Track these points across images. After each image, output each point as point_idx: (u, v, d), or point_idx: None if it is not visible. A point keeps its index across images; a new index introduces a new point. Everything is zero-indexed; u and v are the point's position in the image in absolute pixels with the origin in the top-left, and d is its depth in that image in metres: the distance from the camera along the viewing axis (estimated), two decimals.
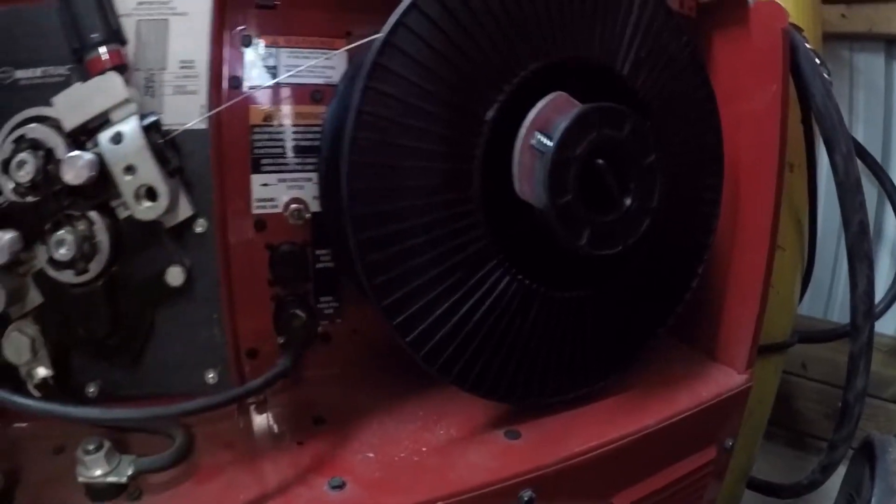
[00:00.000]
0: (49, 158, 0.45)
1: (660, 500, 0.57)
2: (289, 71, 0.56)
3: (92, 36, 0.45)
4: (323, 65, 0.57)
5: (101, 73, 0.46)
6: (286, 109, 0.57)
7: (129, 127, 0.45)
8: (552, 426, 0.54)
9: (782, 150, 0.60)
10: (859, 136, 1.22)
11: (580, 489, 0.52)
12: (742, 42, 0.63)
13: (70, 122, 0.46)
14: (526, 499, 0.48)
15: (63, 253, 0.46)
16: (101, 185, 0.46)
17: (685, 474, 0.59)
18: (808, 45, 0.65)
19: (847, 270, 0.68)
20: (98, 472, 0.44)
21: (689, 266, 0.59)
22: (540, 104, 0.46)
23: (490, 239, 0.48)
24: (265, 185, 0.57)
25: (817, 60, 0.66)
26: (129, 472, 0.44)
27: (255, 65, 0.56)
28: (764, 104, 0.61)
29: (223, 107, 0.51)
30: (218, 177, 0.52)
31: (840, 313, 1.35)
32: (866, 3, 1.16)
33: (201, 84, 0.50)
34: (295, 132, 0.58)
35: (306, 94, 0.58)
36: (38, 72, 0.48)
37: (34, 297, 0.49)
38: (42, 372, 0.48)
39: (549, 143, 0.45)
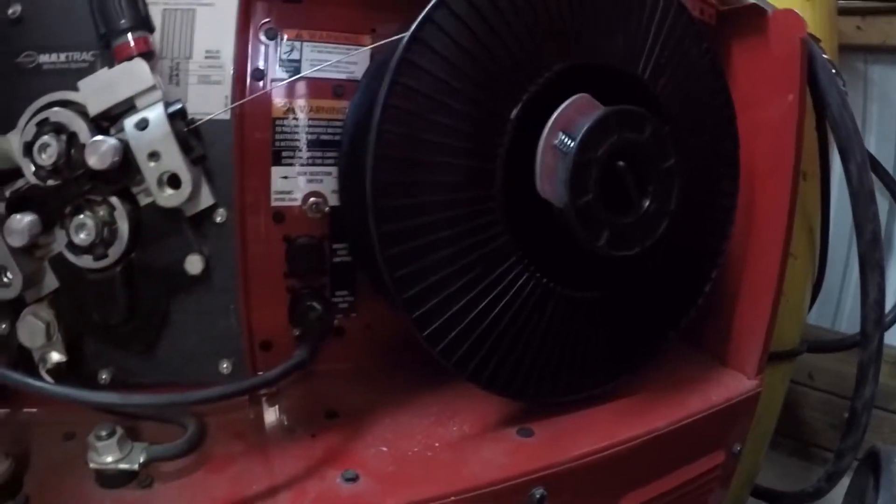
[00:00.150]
0: (72, 142, 0.45)
1: (668, 502, 0.57)
2: (312, 65, 0.56)
3: (120, 22, 0.46)
4: (346, 60, 0.58)
5: (128, 59, 0.46)
6: (308, 103, 0.58)
7: (155, 114, 0.45)
8: (564, 425, 0.54)
9: (797, 158, 0.61)
10: (872, 148, 1.22)
11: (591, 489, 0.53)
12: (760, 51, 0.63)
13: (95, 106, 0.46)
14: (537, 496, 0.48)
15: (83, 238, 0.47)
16: (124, 170, 0.46)
17: (693, 477, 0.59)
18: (825, 56, 0.66)
19: (856, 281, 0.68)
20: (110, 459, 0.44)
21: (704, 270, 0.59)
22: (563, 105, 0.47)
23: (510, 236, 0.48)
24: (285, 177, 0.57)
25: (833, 70, 0.66)
26: (141, 460, 0.44)
27: (279, 58, 0.56)
28: (780, 113, 0.62)
29: (247, 99, 0.51)
30: (239, 168, 0.52)
31: (848, 324, 1.35)
32: (881, 15, 1.16)
33: (226, 75, 0.51)
34: (316, 126, 0.58)
35: (328, 89, 0.58)
36: (62, 57, 0.48)
37: (50, 282, 0.49)
38: (55, 357, 0.48)
39: (572, 144, 0.46)
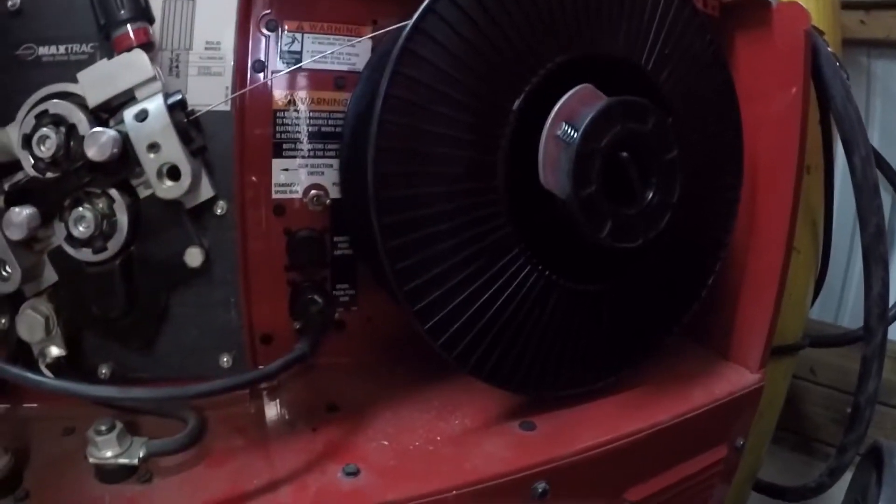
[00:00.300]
0: (71, 134, 0.45)
1: (671, 496, 0.57)
2: (313, 57, 0.56)
3: (120, 13, 0.45)
4: (347, 51, 0.57)
5: (128, 50, 0.45)
6: (309, 95, 0.57)
7: (154, 105, 0.45)
8: (567, 419, 0.54)
9: (801, 151, 0.60)
10: (875, 143, 1.21)
11: (593, 483, 0.52)
12: (764, 43, 0.63)
13: (94, 98, 0.46)
14: (540, 490, 0.48)
15: (82, 230, 0.46)
16: (123, 162, 0.46)
17: (696, 472, 0.58)
18: (829, 49, 0.65)
19: (859, 275, 0.68)
20: (109, 454, 0.44)
21: (707, 264, 0.59)
22: (566, 95, 0.46)
23: (512, 228, 0.48)
24: (286, 169, 0.57)
25: (837, 63, 0.66)
26: (141, 454, 0.44)
27: (280, 50, 0.56)
28: (784, 105, 0.61)
29: (247, 89, 0.51)
30: (239, 160, 0.52)
31: (851, 318, 1.35)
32: (885, 9, 1.16)
33: (226, 66, 0.51)
34: (317, 118, 0.58)
35: (329, 81, 0.58)
36: (61, 49, 0.48)
37: (49, 276, 0.49)
38: (55, 351, 0.48)
39: (575, 134, 0.45)
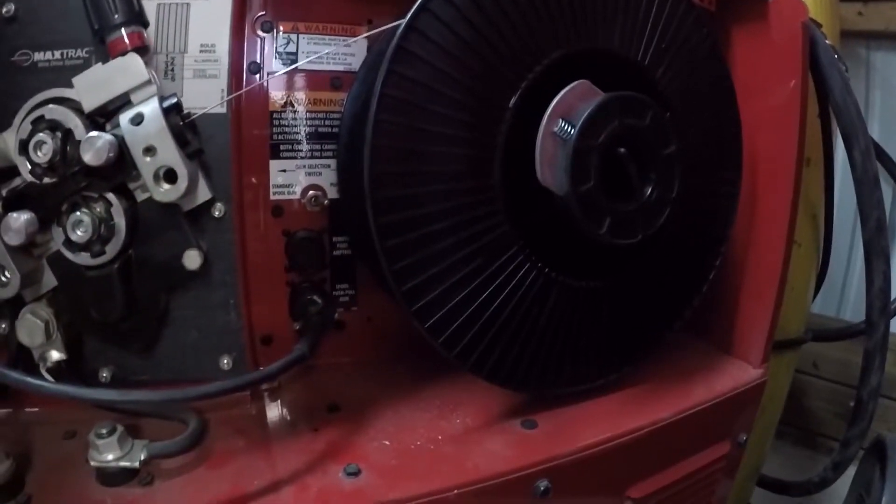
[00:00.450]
0: (68, 139, 0.45)
1: (673, 493, 0.57)
2: (308, 57, 0.56)
3: (114, 17, 0.45)
4: (343, 52, 0.57)
5: (123, 54, 0.45)
6: (305, 96, 0.57)
7: (150, 108, 0.45)
8: (568, 416, 0.54)
9: (801, 144, 0.60)
10: (875, 135, 1.20)
11: (596, 480, 0.52)
12: (761, 36, 0.63)
13: (89, 103, 0.46)
14: (542, 489, 0.48)
15: (80, 234, 0.46)
16: (120, 166, 0.46)
17: (699, 468, 0.58)
18: (827, 41, 0.65)
19: (860, 269, 0.67)
20: (110, 457, 0.44)
21: (707, 259, 0.59)
22: (563, 92, 0.46)
23: (510, 226, 0.47)
24: (283, 171, 0.57)
25: (836, 56, 0.66)
26: (142, 457, 0.44)
27: (276, 51, 0.56)
28: (783, 99, 0.61)
29: (242, 91, 0.50)
30: (237, 162, 0.51)
31: (853, 312, 1.35)
32: (884, 0, 1.15)
33: (221, 68, 0.50)
34: (314, 118, 0.58)
35: (326, 81, 0.58)
36: (56, 54, 0.48)
37: (48, 280, 0.49)
38: (55, 355, 0.48)
39: (572, 131, 0.45)
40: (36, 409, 0.52)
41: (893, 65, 1.24)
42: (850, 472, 0.81)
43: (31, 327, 0.47)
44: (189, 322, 0.52)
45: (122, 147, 0.45)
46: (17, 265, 0.46)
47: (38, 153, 0.44)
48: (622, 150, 0.47)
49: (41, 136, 0.44)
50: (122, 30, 0.45)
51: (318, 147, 0.58)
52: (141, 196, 0.48)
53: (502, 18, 0.46)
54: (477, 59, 0.45)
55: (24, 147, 0.45)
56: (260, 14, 0.56)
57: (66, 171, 0.45)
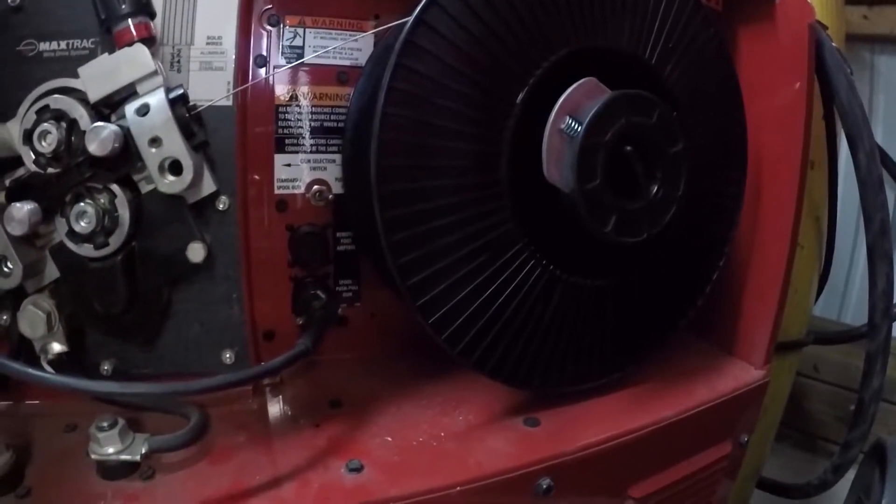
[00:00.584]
0: (72, 129, 0.45)
1: (675, 493, 0.57)
2: (315, 51, 0.56)
3: (121, 7, 0.45)
4: (349, 46, 0.57)
5: (129, 45, 0.45)
6: (311, 90, 0.57)
7: (156, 99, 0.45)
8: (571, 415, 0.53)
9: (806, 146, 0.60)
10: (879, 139, 1.21)
11: (598, 479, 0.52)
12: (768, 37, 0.63)
13: (95, 93, 0.45)
14: (544, 487, 0.48)
15: (84, 225, 0.46)
16: (125, 157, 0.45)
17: (701, 468, 0.58)
18: (833, 44, 0.65)
19: (862, 272, 0.67)
20: (111, 450, 0.44)
21: (711, 258, 0.59)
22: (570, 89, 0.46)
23: (516, 223, 0.47)
24: (288, 165, 0.57)
25: (841, 58, 0.66)
26: (143, 451, 0.44)
27: (282, 45, 0.56)
28: (788, 100, 0.61)
29: (249, 84, 0.50)
30: (241, 155, 0.51)
31: (854, 315, 1.35)
32: (889, 4, 1.15)
33: (228, 61, 0.50)
34: (320, 113, 0.57)
35: (332, 76, 0.58)
36: (62, 44, 0.48)
37: (51, 272, 0.49)
38: (57, 347, 0.48)
39: (579, 128, 0.45)
40: (37, 402, 0.52)
41: None
42: (850, 475, 0.81)
43: (33, 319, 0.47)
44: (192, 315, 0.51)
45: (127, 138, 0.45)
46: (19, 256, 0.46)
47: (43, 143, 0.44)
48: (629, 148, 0.47)
49: (46, 125, 0.44)
50: (130, 20, 0.45)
51: (323, 142, 0.58)
52: (145, 188, 0.47)
53: (510, 13, 0.46)
54: (485, 54, 0.45)
55: (28, 137, 0.45)
56: (267, 7, 0.55)
57: (71, 162, 0.45)
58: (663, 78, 0.52)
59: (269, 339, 0.58)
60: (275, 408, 0.54)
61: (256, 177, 0.56)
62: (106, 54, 0.46)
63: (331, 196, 0.57)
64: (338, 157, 0.58)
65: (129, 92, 0.46)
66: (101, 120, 0.45)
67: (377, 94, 0.44)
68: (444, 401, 0.55)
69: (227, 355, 0.53)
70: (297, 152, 0.57)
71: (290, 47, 0.56)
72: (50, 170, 0.45)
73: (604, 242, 0.47)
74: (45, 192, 0.46)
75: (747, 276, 0.64)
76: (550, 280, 0.49)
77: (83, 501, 0.42)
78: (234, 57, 0.50)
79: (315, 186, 0.57)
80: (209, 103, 0.48)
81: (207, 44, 0.50)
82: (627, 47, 0.51)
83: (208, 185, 0.48)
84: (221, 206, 0.50)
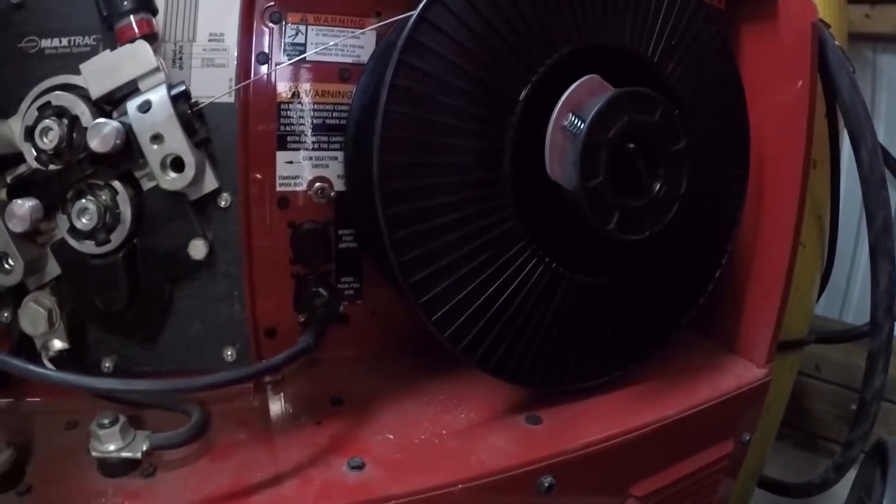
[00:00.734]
0: (74, 126, 0.45)
1: (676, 491, 0.57)
2: (316, 49, 0.56)
3: (123, 4, 0.45)
4: (351, 43, 0.57)
5: (131, 41, 0.45)
6: (313, 87, 0.57)
7: (158, 96, 0.45)
8: (573, 413, 0.53)
9: (808, 144, 0.60)
10: (881, 137, 1.21)
11: (600, 478, 0.52)
12: (770, 35, 0.63)
13: (97, 89, 0.45)
14: (546, 485, 0.48)
15: (85, 222, 0.46)
16: (126, 154, 0.45)
17: (702, 466, 0.58)
18: (835, 42, 0.65)
19: (864, 271, 0.67)
20: (112, 447, 0.43)
21: (713, 257, 0.59)
22: (573, 86, 0.46)
23: (519, 220, 0.47)
24: (290, 162, 0.57)
25: (844, 57, 0.66)
26: (144, 448, 0.44)
27: (284, 42, 0.56)
28: (791, 99, 0.61)
29: (250, 81, 0.50)
30: (243, 152, 0.51)
31: (855, 315, 1.35)
32: (891, 3, 1.15)
33: (230, 58, 0.50)
34: (322, 110, 0.57)
35: (334, 73, 0.58)
36: (64, 41, 0.48)
37: (52, 268, 0.48)
38: (58, 344, 0.48)
39: (582, 125, 0.45)
40: (37, 399, 0.52)
41: None
42: (851, 474, 0.81)
43: (34, 316, 0.47)
44: (193, 313, 0.51)
45: (129, 134, 0.44)
46: (20, 253, 0.45)
47: (44, 139, 0.44)
48: (631, 145, 0.46)
49: (47, 122, 0.44)
50: (132, 17, 0.45)
51: (325, 139, 0.58)
52: (147, 184, 0.47)
53: (513, 10, 0.46)
54: (487, 51, 0.45)
55: (29, 133, 0.44)
56: (269, 5, 0.55)
57: (72, 158, 0.45)
58: (666, 76, 0.52)
59: (270, 336, 0.58)
60: (276, 405, 0.54)
61: (258, 174, 0.56)
62: (108, 51, 0.46)
63: (333, 193, 0.57)
64: (340, 154, 0.58)
65: (130, 88, 0.45)
66: (103, 116, 0.45)
67: (379, 92, 0.44)
68: (445, 398, 0.55)
69: (229, 352, 0.52)
70: (298, 149, 0.57)
71: (292, 44, 0.56)
72: (51, 166, 0.45)
73: (606, 240, 0.47)
74: (46, 188, 0.46)
75: (749, 274, 0.64)
76: (553, 278, 0.49)
77: (84, 499, 0.42)
78: (236, 54, 0.50)
79: (317, 184, 0.57)
80: (211, 100, 0.48)
81: (209, 40, 0.50)
82: (630, 45, 0.51)
83: (210, 182, 0.48)
84: (223, 203, 0.50)
